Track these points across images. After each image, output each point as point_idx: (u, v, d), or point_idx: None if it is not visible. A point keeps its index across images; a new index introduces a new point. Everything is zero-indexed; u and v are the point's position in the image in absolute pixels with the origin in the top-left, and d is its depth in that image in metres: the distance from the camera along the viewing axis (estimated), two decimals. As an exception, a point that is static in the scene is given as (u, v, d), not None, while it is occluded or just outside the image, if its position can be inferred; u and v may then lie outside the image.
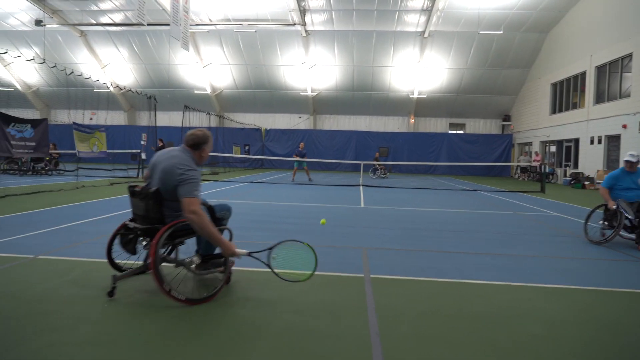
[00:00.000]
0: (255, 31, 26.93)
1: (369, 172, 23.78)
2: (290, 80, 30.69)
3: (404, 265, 4.94)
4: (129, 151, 19.72)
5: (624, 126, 18.45)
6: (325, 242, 6.05)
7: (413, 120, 32.30)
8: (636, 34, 17.83)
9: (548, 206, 11.73)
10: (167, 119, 32.91)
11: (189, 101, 28.15)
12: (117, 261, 3.99)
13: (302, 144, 19.69)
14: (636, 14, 17.94)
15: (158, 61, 30.42)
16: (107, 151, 14.71)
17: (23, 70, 32.74)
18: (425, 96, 30.44)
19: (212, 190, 13.34)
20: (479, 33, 24.33)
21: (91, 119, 33.03)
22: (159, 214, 3.64)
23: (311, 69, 29.44)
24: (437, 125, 32.82)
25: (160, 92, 31.42)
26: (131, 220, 3.93)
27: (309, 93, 31.17)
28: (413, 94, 30.31)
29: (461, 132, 32.39)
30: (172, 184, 3.57)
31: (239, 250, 3.62)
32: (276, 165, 32.09)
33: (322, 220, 4.74)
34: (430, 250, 5.81)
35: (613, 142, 19.66)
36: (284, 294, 3.83)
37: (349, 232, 6.99)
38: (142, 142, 17.51)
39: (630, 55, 18.35)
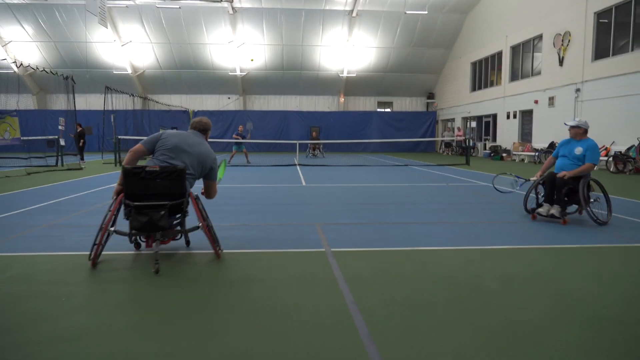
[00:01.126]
0: (180, 7, 25.60)
1: (306, 152, 23.95)
2: (217, 60, 29.69)
3: (359, 238, 5.08)
4: (46, 137, 18.07)
5: (536, 102, 20.07)
6: (278, 220, 6.05)
7: (343, 99, 32.74)
8: (546, 16, 19.31)
9: (475, 177, 12.55)
10: (84, 102, 30.47)
11: (108, 82, 26.28)
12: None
13: (241, 126, 19.50)
14: (545, -3, 19.41)
15: (69, 39, 27.97)
16: (22, 138, 13.40)
17: None
18: (354, 75, 30.92)
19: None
20: (405, 13, 25.02)
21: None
22: (184, 188, 3.95)
23: (239, 48, 28.67)
24: (366, 103, 33.55)
25: (75, 73, 28.99)
26: (133, 201, 3.85)
27: (238, 73, 30.41)
28: (342, 73, 30.65)
29: (389, 110, 33.41)
30: (208, 165, 4.24)
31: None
32: (207, 148, 31.13)
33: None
34: (380, 222, 6.02)
35: (526, 117, 21.36)
36: (251, 272, 3.80)
37: (297, 209, 7.04)
38: (60, 128, 16.13)
39: (540, 36, 19.87)
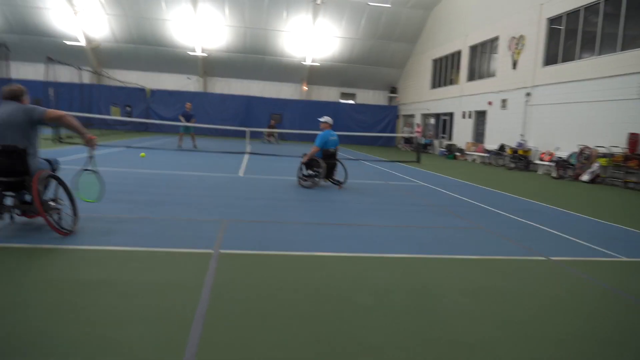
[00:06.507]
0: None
1: (262, 138, 23.61)
2: (177, 38, 28.63)
3: (259, 239, 4.84)
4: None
5: (490, 103, 20.34)
6: (183, 215, 5.73)
7: (306, 87, 32.33)
8: (502, 18, 19.50)
9: (419, 176, 12.56)
10: (32, 71, 28.75)
11: (60, 53, 24.85)
12: None
13: (189, 104, 17.87)
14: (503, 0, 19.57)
15: (17, 2, 26.24)
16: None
17: None
18: (318, 64, 30.52)
19: (78, 156, 12.03)
20: (368, 4, 24.77)
21: None
22: (26, 166, 4.17)
23: (200, 27, 27.72)
24: (329, 93, 33.27)
25: (22, 40, 27.44)
26: None
27: (199, 53, 29.45)
28: (306, 61, 30.20)
29: (352, 101, 33.26)
30: (28, 114, 4.17)
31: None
32: (162, 129, 30.13)
33: (142, 154, 4.99)
34: (290, 222, 5.80)
35: (480, 117, 21.65)
36: (115, 274, 3.50)
37: (216, 203, 6.73)
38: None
39: (497, 38, 20.08)
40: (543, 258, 4.73)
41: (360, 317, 2.99)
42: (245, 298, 3.20)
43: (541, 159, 16.40)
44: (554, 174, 14.80)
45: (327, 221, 5.93)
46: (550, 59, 16.70)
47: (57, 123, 4.36)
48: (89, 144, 4.57)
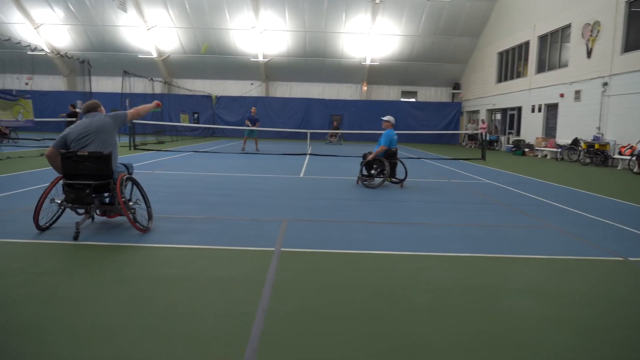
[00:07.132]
0: (203, -8, 25.64)
1: (325, 139, 23.90)
2: (240, 46, 29.67)
3: (318, 237, 4.94)
4: (66, 119, 18.64)
5: (562, 95, 19.14)
6: (246, 215, 5.95)
7: (366, 87, 32.22)
8: (574, 4, 18.27)
9: (484, 174, 12.10)
10: (111, 84, 31.15)
11: (134, 66, 26.71)
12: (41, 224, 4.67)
13: (253, 108, 18.64)
14: (576, -16, 18.33)
15: (97, 22, 28.52)
16: (35, 119, 13.80)
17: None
18: (377, 63, 30.31)
19: (151, 161, 12.86)
20: (428, 0, 24.23)
21: (27, 84, 30.88)
22: (110, 170, 4.63)
23: (262, 34, 28.55)
24: (389, 92, 32.92)
25: (102, 56, 29.74)
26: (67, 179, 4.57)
27: (260, 59, 30.34)
28: (365, 61, 30.11)
29: (413, 99, 32.66)
30: (116, 120, 4.94)
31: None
32: (228, 134, 31.38)
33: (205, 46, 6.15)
34: (350, 221, 5.84)
35: (551, 111, 20.43)
36: (184, 270, 3.74)
37: (277, 204, 6.92)
38: (77, 110, 16.56)
39: (569, 26, 18.85)
40: (620, 258, 4.41)
41: (418, 316, 2.97)
42: (305, 295, 3.29)
43: (621, 153, 15.16)
44: (636, 169, 13.64)
45: (387, 220, 5.91)
46: (630, 45, 15.40)
47: (137, 117, 5.24)
48: (156, 108, 5.59)
